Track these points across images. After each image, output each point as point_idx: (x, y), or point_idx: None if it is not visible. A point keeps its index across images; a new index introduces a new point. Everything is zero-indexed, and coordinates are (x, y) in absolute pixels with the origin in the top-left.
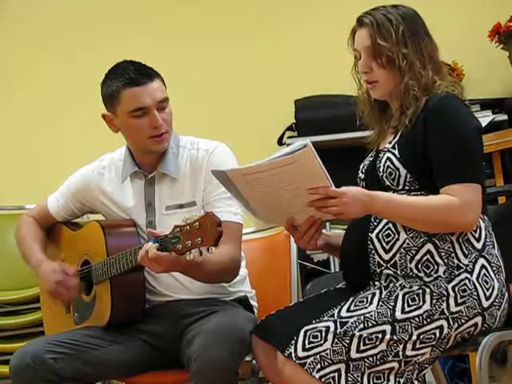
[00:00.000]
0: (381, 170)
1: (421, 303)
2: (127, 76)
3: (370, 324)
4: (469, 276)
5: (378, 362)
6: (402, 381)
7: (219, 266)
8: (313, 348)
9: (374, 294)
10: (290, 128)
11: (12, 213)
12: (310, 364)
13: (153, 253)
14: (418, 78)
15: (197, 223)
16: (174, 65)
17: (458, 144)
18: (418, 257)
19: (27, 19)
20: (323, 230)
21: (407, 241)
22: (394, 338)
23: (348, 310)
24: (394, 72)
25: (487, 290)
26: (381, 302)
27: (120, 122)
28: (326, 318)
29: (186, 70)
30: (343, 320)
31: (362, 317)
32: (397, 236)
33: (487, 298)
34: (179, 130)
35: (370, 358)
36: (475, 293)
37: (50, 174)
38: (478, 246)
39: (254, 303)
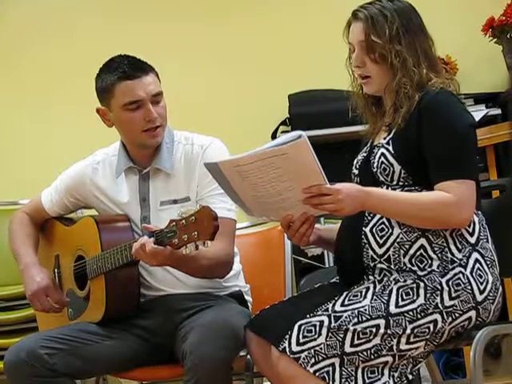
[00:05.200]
0: (375, 165)
1: (415, 297)
2: (121, 70)
3: (364, 318)
4: (463, 270)
5: (372, 356)
6: (396, 375)
7: (213, 261)
8: (307, 342)
9: (368, 289)
10: (283, 123)
11: (5, 208)
12: (304, 358)
13: (150, 247)
14: (410, 76)
15: (193, 217)
16: (168, 58)
17: (452, 141)
18: (411, 251)
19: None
20: (316, 225)
21: (401, 235)
22: (388, 332)
23: (342, 305)
24: (386, 68)
25: (481, 283)
26: (375, 296)
27: (114, 115)
28: (320, 313)
29: (180, 64)
30: (337, 314)
31: (356, 311)
32: (390, 230)
33: (481, 292)
34: (173, 125)
35: (364, 352)
36: (469, 287)
37: (44, 169)
38: (472, 240)
39: (248, 298)
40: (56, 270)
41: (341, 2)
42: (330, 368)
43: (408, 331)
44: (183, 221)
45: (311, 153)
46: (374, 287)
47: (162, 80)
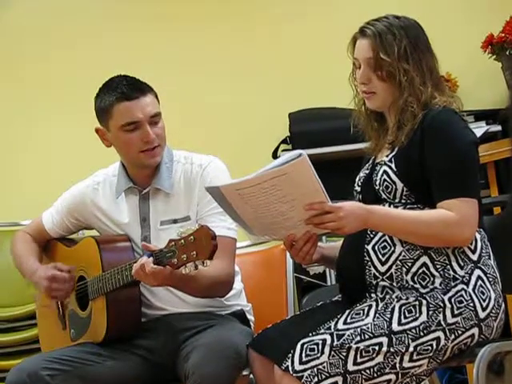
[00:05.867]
0: (377, 183)
1: (417, 315)
2: (120, 91)
3: (366, 336)
4: (465, 287)
5: (376, 375)
6: None
7: (213, 280)
8: (310, 361)
9: (370, 306)
10: (284, 141)
11: (7, 229)
12: (307, 377)
13: (150, 267)
14: (417, 95)
15: (191, 237)
16: (168, 78)
17: (454, 159)
18: (413, 269)
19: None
20: (318, 243)
21: (403, 253)
22: (391, 349)
23: (344, 323)
24: (393, 86)
25: (484, 300)
26: (377, 314)
27: (112, 136)
28: (322, 331)
29: (180, 84)
30: (340, 332)
31: (358, 329)
32: (393, 248)
33: (484, 309)
34: (172, 144)
35: (368, 371)
36: (471, 304)
37: (45, 190)
38: (474, 257)
39: (250, 317)
40: None
41: (341, 21)
42: None
43: (411, 349)
44: (182, 240)
45: (312, 171)
46: (377, 305)
47: (160, 98)
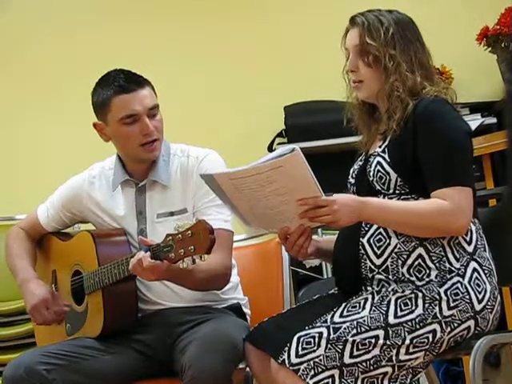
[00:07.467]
0: (371, 174)
1: (413, 307)
2: (117, 84)
3: (363, 329)
4: (461, 279)
5: (372, 367)
6: None
7: (210, 274)
8: (306, 354)
9: (366, 299)
10: (280, 134)
11: (1, 224)
12: (303, 370)
13: (147, 262)
14: (403, 80)
15: (189, 231)
16: (163, 70)
17: (447, 148)
18: (409, 261)
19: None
20: (314, 236)
21: (398, 245)
22: (388, 342)
23: (341, 316)
24: (379, 72)
25: (479, 293)
26: (373, 307)
27: (111, 130)
28: (318, 324)
29: (176, 76)
30: (336, 326)
31: (354, 322)
32: (388, 241)
33: (479, 302)
34: (168, 138)
35: (364, 363)
36: (467, 296)
37: (40, 184)
38: (470, 249)
39: (246, 310)
40: (53, 286)
41: (337, 15)
42: (330, 380)
43: (407, 341)
44: (179, 235)
45: (306, 165)
46: (373, 298)
47: (157, 92)
